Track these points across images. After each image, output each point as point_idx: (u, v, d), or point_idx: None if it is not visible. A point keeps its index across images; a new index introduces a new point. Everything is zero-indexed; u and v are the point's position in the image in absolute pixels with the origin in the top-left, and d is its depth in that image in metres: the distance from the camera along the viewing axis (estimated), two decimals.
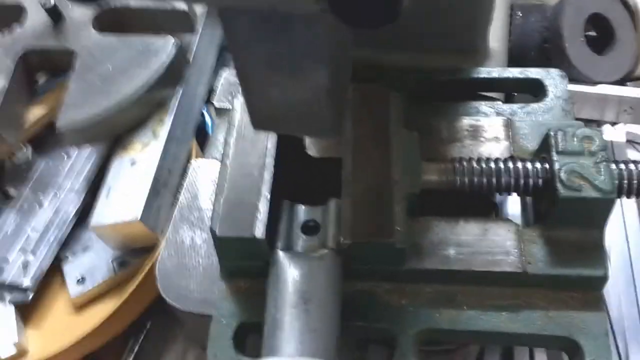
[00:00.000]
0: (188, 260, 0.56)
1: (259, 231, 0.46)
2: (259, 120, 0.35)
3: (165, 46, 0.71)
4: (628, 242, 0.70)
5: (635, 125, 0.76)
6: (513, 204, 0.69)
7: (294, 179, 0.52)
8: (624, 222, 0.71)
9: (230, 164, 0.50)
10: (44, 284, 0.70)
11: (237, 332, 0.48)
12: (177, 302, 0.54)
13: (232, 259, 0.49)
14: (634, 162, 0.47)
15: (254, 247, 0.47)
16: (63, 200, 0.73)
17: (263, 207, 0.47)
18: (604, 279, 0.47)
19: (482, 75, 0.60)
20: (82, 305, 0.69)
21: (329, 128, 0.34)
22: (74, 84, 0.69)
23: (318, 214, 0.50)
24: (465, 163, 0.49)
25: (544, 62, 0.71)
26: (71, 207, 0.72)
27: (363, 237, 0.45)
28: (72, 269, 0.70)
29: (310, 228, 0.49)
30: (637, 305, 0.67)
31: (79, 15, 0.75)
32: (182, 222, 0.58)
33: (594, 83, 0.78)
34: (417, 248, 0.48)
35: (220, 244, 0.48)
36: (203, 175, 0.60)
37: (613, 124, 0.80)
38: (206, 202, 0.59)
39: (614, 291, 0.68)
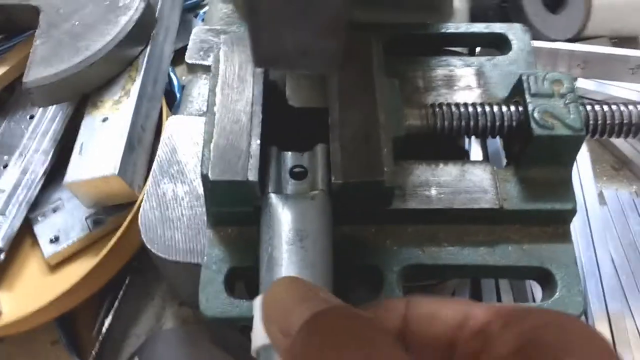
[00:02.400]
0: (171, 212, 0.56)
1: (252, 174, 0.47)
2: (264, 56, 0.36)
3: (132, 3, 0.70)
4: (582, 187, 0.75)
5: (585, 80, 0.80)
6: (476, 153, 0.73)
7: (279, 128, 0.53)
8: (577, 168, 0.75)
9: (218, 111, 0.50)
10: (16, 246, 0.69)
11: (227, 277, 0.49)
12: (163, 252, 0.55)
13: (221, 204, 0.50)
14: (599, 102, 0.51)
15: (247, 190, 0.48)
16: (29, 160, 0.72)
17: (254, 152, 0.48)
18: (572, 212, 0.51)
19: (450, 30, 0.63)
20: (56, 265, 0.69)
21: (335, 63, 0.35)
22: (40, 41, 0.67)
23: (305, 160, 0.51)
24: (444, 108, 0.52)
25: (502, 20, 0.74)
26: (39, 167, 0.71)
27: (354, 177, 0.47)
28: (44, 229, 0.69)
29: (298, 173, 0.50)
30: (593, 248, 0.72)
31: None
32: (163, 176, 0.58)
33: (549, 40, 0.82)
34: (401, 190, 0.51)
35: (212, 188, 0.48)
36: (180, 131, 0.61)
37: None
38: (185, 156, 0.59)
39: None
